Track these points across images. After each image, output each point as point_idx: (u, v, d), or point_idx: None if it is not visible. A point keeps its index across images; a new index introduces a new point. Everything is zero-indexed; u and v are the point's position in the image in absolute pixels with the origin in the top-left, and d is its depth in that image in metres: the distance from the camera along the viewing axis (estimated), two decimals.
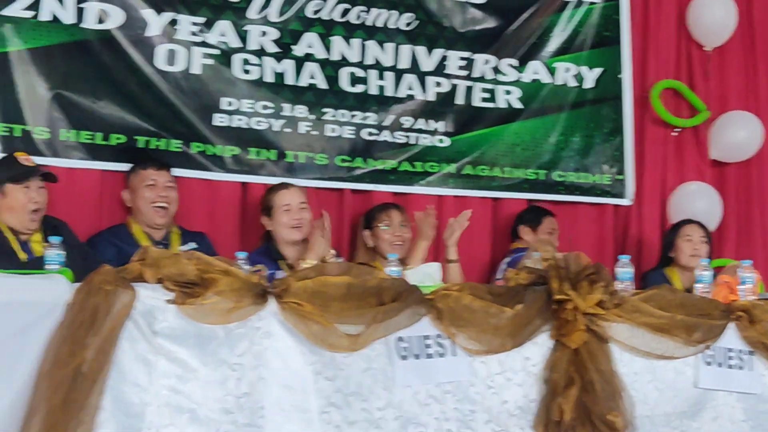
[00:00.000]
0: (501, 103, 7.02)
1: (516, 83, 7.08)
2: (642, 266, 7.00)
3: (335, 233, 6.09)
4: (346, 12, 6.57)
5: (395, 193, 6.66)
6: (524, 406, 4.65)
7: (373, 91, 6.64)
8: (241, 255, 4.56)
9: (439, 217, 6.21)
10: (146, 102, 6.04)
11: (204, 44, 6.21)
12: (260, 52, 6.35)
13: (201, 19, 6.19)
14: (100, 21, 5.92)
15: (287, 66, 6.41)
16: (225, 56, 6.26)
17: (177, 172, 5.95)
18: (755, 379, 5.11)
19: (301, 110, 6.42)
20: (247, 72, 6.31)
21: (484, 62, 6.97)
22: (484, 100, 6.98)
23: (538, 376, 4.71)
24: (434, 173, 6.77)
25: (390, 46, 6.70)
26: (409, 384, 4.42)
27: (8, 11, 5.70)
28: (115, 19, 5.96)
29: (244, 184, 6.30)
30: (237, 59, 6.29)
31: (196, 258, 4.16)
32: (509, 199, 7.03)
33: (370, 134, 6.62)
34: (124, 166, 5.89)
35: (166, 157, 5.98)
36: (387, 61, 6.69)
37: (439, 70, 6.84)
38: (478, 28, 7.00)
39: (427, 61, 6.81)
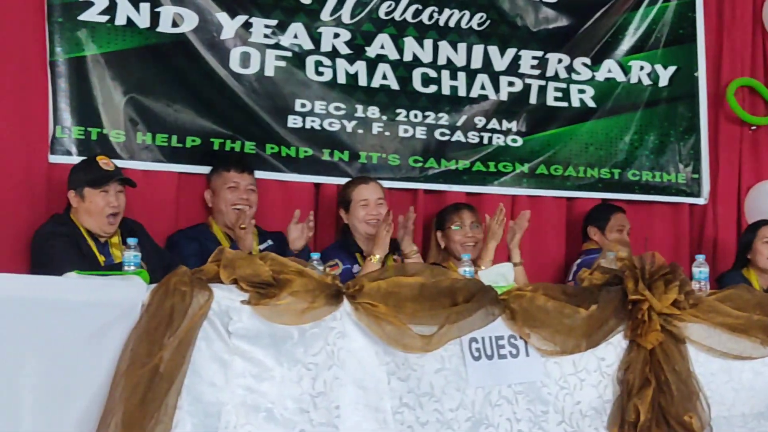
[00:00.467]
0: (574, 102, 6.98)
1: (590, 82, 7.03)
2: (717, 267, 6.93)
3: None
4: (418, 13, 6.56)
5: (468, 194, 6.64)
6: (599, 406, 4.63)
7: (446, 91, 6.63)
8: (315, 255, 4.58)
9: (513, 218, 6.17)
10: (221, 105, 6.09)
11: (277, 46, 6.24)
12: (333, 54, 6.37)
13: (274, 22, 6.22)
14: (175, 25, 5.97)
15: (360, 67, 6.43)
16: (298, 58, 6.29)
17: None
18: None
19: (373, 111, 6.44)
20: (320, 74, 6.33)
21: (557, 61, 6.93)
22: (558, 99, 6.94)
23: (613, 377, 4.68)
24: (507, 173, 6.75)
25: (462, 46, 6.69)
26: (481, 384, 4.42)
27: (84, 16, 5.76)
28: (190, 22, 6.01)
29: (317, 184, 6.32)
30: (310, 61, 6.31)
31: (271, 259, 4.19)
32: (583, 199, 6.98)
33: (443, 135, 6.61)
34: (200, 169, 5.95)
35: (239, 157, 6.02)
36: (459, 61, 6.68)
37: (512, 70, 6.82)
38: (551, 26, 6.96)
39: (500, 60, 6.78)
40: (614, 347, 4.72)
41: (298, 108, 6.27)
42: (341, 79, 6.38)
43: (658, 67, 7.22)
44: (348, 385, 4.20)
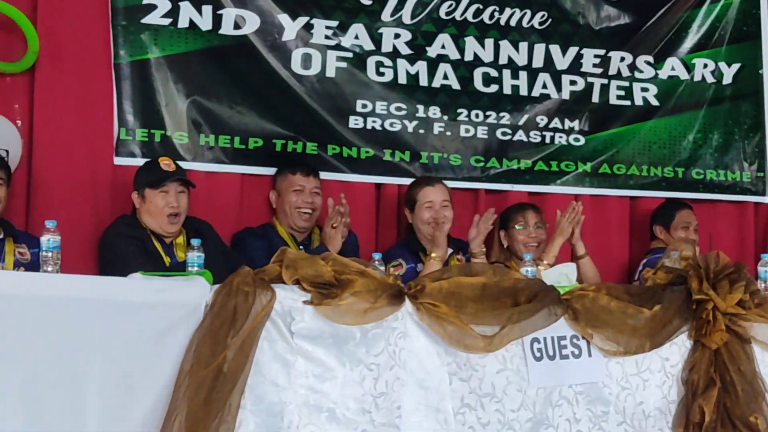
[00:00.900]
0: (637, 100, 6.93)
1: (653, 80, 6.98)
2: None
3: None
4: (479, 12, 6.55)
5: (530, 193, 6.62)
6: (663, 407, 4.61)
7: (508, 90, 6.61)
8: (377, 255, 4.59)
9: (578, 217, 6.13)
10: (282, 106, 6.12)
11: (338, 47, 6.25)
12: (394, 54, 6.38)
13: (335, 23, 6.24)
14: (237, 27, 6.01)
15: (421, 67, 6.43)
16: (359, 59, 6.30)
17: None
18: None
19: (434, 111, 6.43)
20: (381, 74, 6.34)
21: (619, 59, 6.88)
22: (620, 97, 6.89)
23: (677, 377, 4.65)
24: (570, 172, 6.72)
25: (524, 46, 6.66)
26: (543, 385, 4.41)
27: (148, 19, 5.81)
28: (252, 24, 6.04)
29: (378, 184, 6.33)
30: (371, 62, 6.32)
31: (333, 259, 4.21)
32: (647, 198, 6.93)
33: (505, 134, 6.59)
34: (263, 170, 5.98)
35: (304, 159, 6.05)
36: (521, 60, 6.65)
37: (574, 69, 6.78)
38: (613, 24, 6.91)
39: (562, 59, 6.75)
40: (678, 347, 4.69)
41: (359, 108, 6.28)
42: (402, 80, 6.38)
43: (722, 65, 7.15)
44: (409, 386, 4.21)
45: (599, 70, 6.83)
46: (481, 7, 6.53)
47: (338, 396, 4.11)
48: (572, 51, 6.78)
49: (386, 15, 6.35)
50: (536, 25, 6.69)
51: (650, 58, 6.97)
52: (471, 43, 6.53)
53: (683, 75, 7.05)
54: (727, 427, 4.59)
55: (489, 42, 6.57)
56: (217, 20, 5.96)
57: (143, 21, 5.81)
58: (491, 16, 6.57)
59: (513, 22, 6.63)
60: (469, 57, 6.53)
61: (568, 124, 6.74)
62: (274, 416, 4.01)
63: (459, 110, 6.49)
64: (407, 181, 6.12)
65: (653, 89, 6.96)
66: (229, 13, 5.99)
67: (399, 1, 6.36)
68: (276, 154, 6.04)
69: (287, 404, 4.04)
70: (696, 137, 7.05)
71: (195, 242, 4.39)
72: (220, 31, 5.97)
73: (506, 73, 6.62)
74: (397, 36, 6.37)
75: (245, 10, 6.02)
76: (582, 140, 6.77)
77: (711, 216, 7.07)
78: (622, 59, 6.90)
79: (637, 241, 6.89)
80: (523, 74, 6.66)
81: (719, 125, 7.12)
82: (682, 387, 4.66)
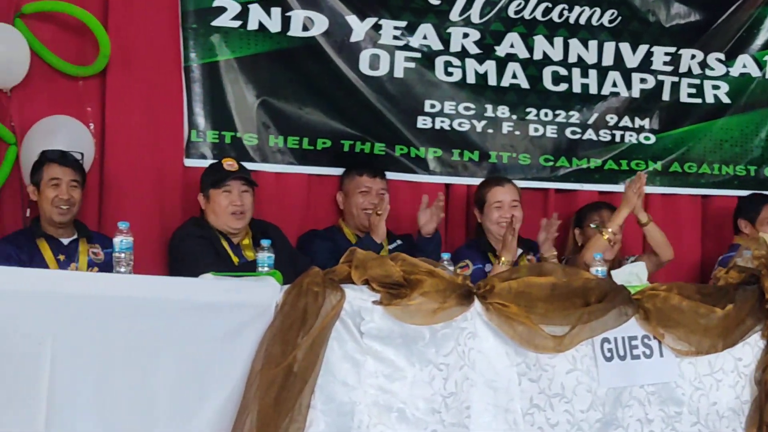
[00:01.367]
0: (708, 98, 6.86)
1: (724, 78, 6.90)
2: None
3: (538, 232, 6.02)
4: (548, 11, 6.51)
5: (600, 192, 6.58)
6: (736, 407, 4.56)
7: (577, 89, 6.58)
8: (446, 255, 4.59)
9: (652, 214, 6.06)
10: (351, 107, 6.14)
11: (407, 48, 6.26)
12: (462, 54, 6.36)
13: (403, 23, 6.24)
14: (305, 29, 6.03)
15: (489, 67, 6.41)
16: (427, 59, 6.30)
17: None
18: None
19: (503, 111, 6.42)
20: (449, 74, 6.34)
21: (690, 57, 6.82)
22: (691, 95, 6.83)
23: (750, 377, 4.61)
24: (640, 171, 6.67)
25: (593, 44, 6.62)
26: (613, 385, 4.39)
27: (218, 22, 5.86)
28: (320, 26, 6.06)
29: (447, 185, 6.33)
30: (439, 62, 6.32)
31: (401, 259, 4.22)
32: (719, 197, 6.86)
33: (574, 133, 6.56)
34: (330, 170, 6.01)
35: (371, 161, 6.07)
36: (590, 58, 6.61)
37: (644, 67, 6.72)
38: (683, 22, 6.84)
39: (632, 57, 6.70)
40: (751, 347, 4.65)
41: (427, 108, 6.29)
42: (471, 79, 6.37)
43: None
44: (479, 386, 4.21)
45: (670, 68, 6.77)
46: (550, 5, 6.50)
47: (408, 396, 4.12)
48: (642, 49, 6.73)
49: (455, 15, 6.34)
50: (606, 23, 6.64)
51: (721, 56, 6.89)
52: (540, 42, 6.50)
53: (755, 72, 6.96)
54: None
55: (558, 40, 6.54)
56: (285, 22, 5.99)
57: (213, 24, 5.85)
58: (560, 15, 6.54)
59: (582, 21, 6.59)
60: (538, 56, 6.50)
61: (638, 122, 6.70)
62: (344, 416, 4.03)
63: (528, 109, 6.46)
64: (476, 181, 6.11)
65: (724, 87, 6.88)
66: (298, 15, 6.01)
67: (468, 1, 6.33)
68: (344, 155, 6.07)
69: (357, 404, 4.05)
70: None
71: (265, 243, 4.42)
72: (289, 33, 6.00)
73: (576, 72, 6.58)
74: (465, 35, 6.36)
75: (314, 11, 6.04)
76: (652, 139, 6.72)
77: None
78: (693, 57, 6.83)
79: (710, 240, 6.82)
80: (592, 72, 6.62)
81: None
82: (756, 387, 4.62)
